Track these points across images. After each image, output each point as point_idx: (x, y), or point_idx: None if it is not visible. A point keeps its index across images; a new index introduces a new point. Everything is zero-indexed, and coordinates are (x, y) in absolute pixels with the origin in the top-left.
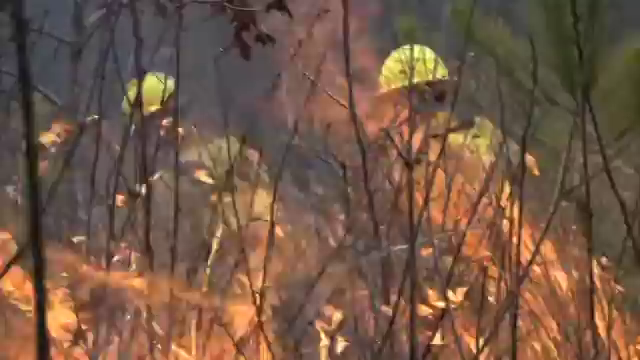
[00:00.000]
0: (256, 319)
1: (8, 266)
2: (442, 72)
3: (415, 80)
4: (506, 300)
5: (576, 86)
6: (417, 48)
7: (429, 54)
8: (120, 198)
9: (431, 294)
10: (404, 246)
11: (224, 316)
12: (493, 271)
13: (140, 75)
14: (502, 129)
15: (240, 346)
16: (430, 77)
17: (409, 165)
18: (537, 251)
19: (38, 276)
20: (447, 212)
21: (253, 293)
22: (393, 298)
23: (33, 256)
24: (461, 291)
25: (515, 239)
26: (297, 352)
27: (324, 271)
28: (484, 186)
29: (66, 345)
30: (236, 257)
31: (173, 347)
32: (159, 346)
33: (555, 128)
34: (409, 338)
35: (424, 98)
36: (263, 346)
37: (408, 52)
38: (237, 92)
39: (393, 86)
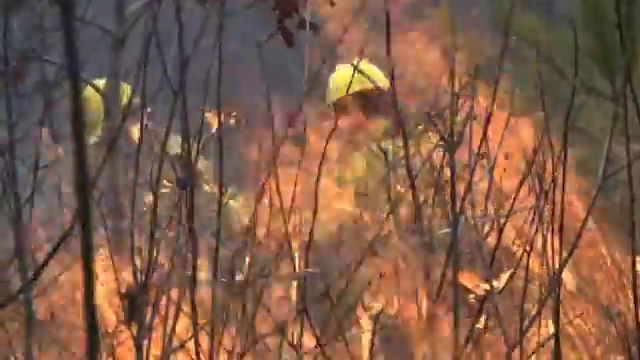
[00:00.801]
0: (299, 303)
1: (55, 250)
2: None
3: (360, 88)
4: (549, 284)
5: (615, 72)
6: (363, 62)
7: (373, 68)
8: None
9: (474, 277)
10: (447, 229)
11: (267, 300)
12: (536, 255)
13: (184, 62)
14: (544, 115)
15: (283, 330)
16: (373, 86)
17: (451, 147)
18: (580, 235)
19: (86, 259)
20: (490, 195)
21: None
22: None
23: (82, 239)
24: (504, 275)
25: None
26: (340, 336)
27: (366, 255)
28: (527, 169)
29: (113, 328)
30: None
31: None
32: (203, 331)
33: (593, 114)
34: (452, 321)
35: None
36: (306, 330)
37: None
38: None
39: (341, 95)
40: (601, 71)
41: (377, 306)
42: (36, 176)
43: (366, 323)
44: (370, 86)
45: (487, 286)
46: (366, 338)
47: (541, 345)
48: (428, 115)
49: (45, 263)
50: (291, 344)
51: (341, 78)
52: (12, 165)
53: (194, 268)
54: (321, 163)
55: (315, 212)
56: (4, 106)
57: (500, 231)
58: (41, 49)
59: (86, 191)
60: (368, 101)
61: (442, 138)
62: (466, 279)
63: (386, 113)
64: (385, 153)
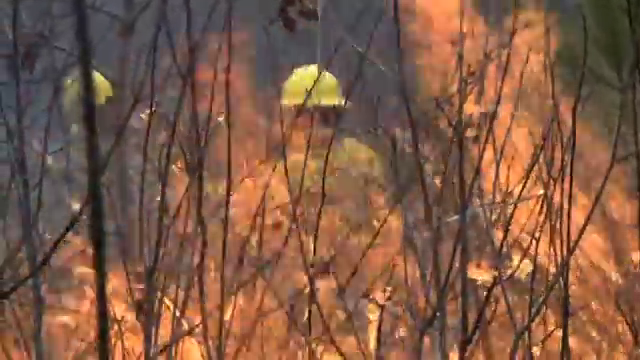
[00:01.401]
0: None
1: (63, 235)
2: (338, 100)
3: (312, 102)
4: (557, 271)
5: (622, 62)
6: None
7: (330, 79)
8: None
9: (482, 265)
10: (455, 217)
11: (276, 286)
12: (544, 242)
13: (192, 48)
14: (553, 101)
15: (292, 317)
16: (326, 102)
17: (460, 135)
18: (587, 222)
19: (98, 247)
20: (498, 183)
21: (305, 264)
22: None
23: (93, 224)
24: (513, 262)
25: (566, 210)
26: (349, 323)
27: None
28: (535, 158)
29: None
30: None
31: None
32: (211, 316)
33: (601, 104)
34: (460, 309)
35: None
36: (316, 317)
37: (309, 73)
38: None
39: (294, 102)
40: (608, 61)
41: (387, 290)
42: (44, 162)
43: (373, 311)
44: (318, 101)
45: (495, 273)
46: (373, 326)
47: (549, 334)
48: (436, 101)
49: (54, 248)
50: (299, 330)
51: (296, 83)
52: (21, 151)
53: (202, 254)
54: (329, 150)
55: (323, 196)
56: (13, 92)
57: (509, 219)
58: (50, 35)
59: (98, 176)
60: (319, 113)
61: (450, 125)
62: (474, 269)
63: (333, 125)
64: (393, 140)
